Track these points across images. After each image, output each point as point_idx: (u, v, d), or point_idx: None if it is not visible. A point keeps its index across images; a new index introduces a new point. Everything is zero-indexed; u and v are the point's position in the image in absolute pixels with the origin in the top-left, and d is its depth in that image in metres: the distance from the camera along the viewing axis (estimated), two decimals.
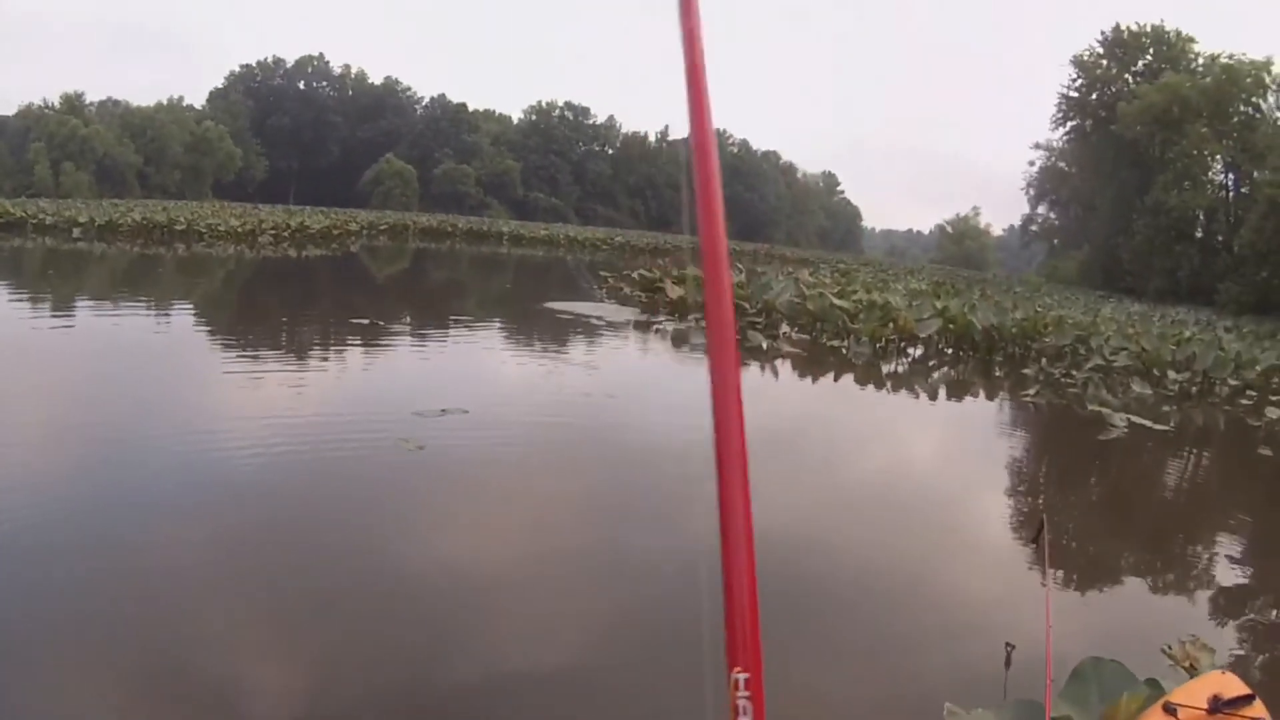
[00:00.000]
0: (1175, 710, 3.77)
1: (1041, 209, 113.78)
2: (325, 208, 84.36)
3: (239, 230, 46.95)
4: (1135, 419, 17.47)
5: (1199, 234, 77.67)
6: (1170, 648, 6.60)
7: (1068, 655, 4.82)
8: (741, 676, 1.34)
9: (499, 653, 5.97)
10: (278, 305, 25.65)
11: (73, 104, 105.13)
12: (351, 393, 14.03)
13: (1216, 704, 3.74)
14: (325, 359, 17.37)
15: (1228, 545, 10.87)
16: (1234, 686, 3.90)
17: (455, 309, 27.16)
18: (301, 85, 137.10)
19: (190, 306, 23.70)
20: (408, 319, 22.88)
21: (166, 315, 21.43)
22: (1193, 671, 5.93)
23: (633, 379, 17.75)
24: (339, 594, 6.52)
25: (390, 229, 69.41)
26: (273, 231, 48.63)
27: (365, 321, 21.00)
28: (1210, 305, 61.77)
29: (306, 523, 7.96)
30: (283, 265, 38.91)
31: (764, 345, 22.53)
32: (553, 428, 12.57)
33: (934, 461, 14.08)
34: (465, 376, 16.33)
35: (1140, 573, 9.57)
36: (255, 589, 6.49)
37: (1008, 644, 5.95)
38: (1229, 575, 9.60)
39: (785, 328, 25.86)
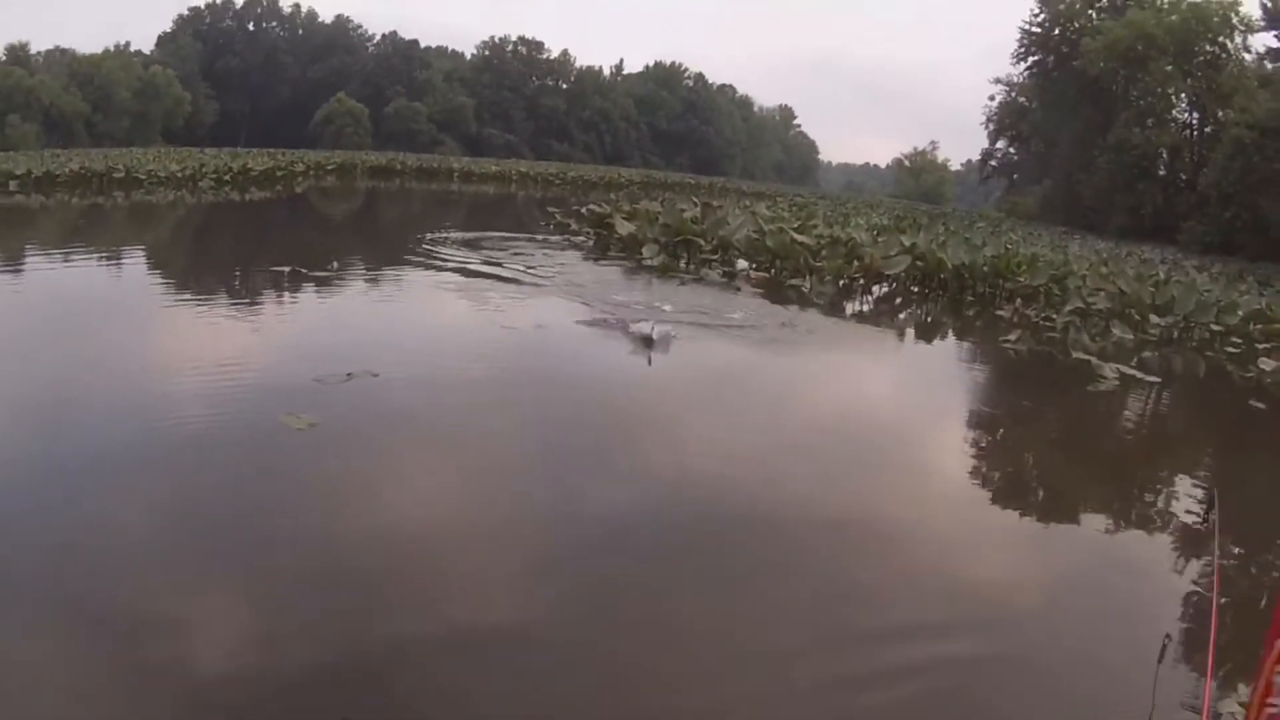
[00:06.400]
0: None
1: (1001, 144, 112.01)
2: (277, 149, 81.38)
3: (179, 175, 44.92)
4: (1125, 369, 16.50)
5: (1162, 172, 76.39)
6: None
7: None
8: None
9: None
10: (192, 254, 23.87)
11: (17, 54, 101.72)
12: (248, 353, 11.88)
13: None
14: (229, 314, 15.15)
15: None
16: None
17: (386, 255, 24.89)
18: (251, 26, 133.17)
19: (100, 259, 21.23)
20: (333, 266, 20.71)
21: (65, 268, 18.98)
22: None
23: (561, 348, 15.07)
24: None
25: (338, 169, 67.06)
26: (214, 175, 46.57)
27: (285, 269, 18.69)
28: (1174, 244, 60.95)
29: (132, 535, 6.43)
30: (216, 211, 37.00)
31: (720, 284, 21.32)
32: (472, 396, 10.83)
33: (944, 418, 13.00)
34: (383, 332, 14.34)
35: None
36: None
37: (1166, 636, 4.94)
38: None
39: (743, 264, 24.42)
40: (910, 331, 20.18)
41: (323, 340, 13.26)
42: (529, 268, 21.19)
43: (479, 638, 5.61)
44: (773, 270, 24.27)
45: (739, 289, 21.26)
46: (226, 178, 46.97)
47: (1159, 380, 16.78)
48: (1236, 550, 8.32)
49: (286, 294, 16.93)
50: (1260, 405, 15.91)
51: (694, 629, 6.05)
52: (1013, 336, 18.59)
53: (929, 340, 19.72)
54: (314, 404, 9.19)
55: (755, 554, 7.21)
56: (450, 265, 21.00)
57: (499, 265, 21.26)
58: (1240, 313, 23.28)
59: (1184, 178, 73.58)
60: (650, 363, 12.42)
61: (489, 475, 8.43)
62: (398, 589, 6.09)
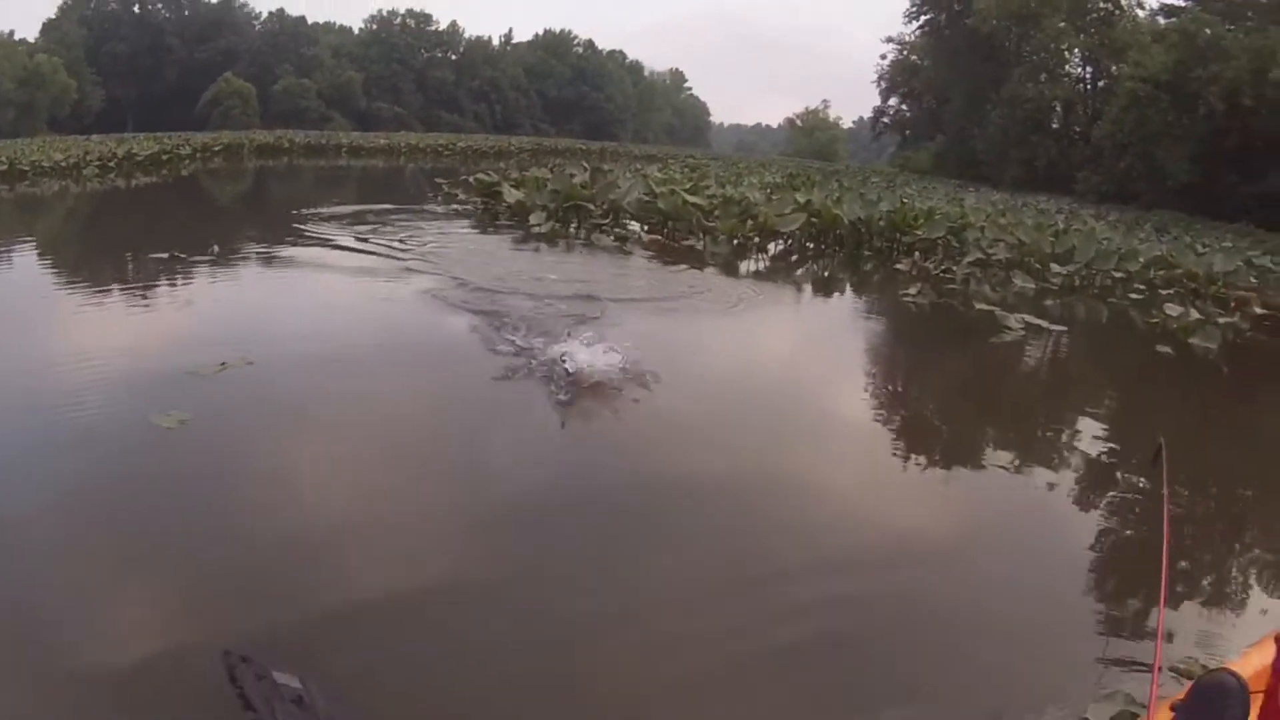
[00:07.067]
0: None
1: (893, 101, 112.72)
2: (164, 133, 78.94)
3: (64, 165, 42.77)
4: (1030, 319, 16.29)
5: (1055, 125, 77.22)
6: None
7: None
8: None
9: None
10: (68, 245, 21.99)
11: None
12: (117, 347, 10.72)
13: None
14: (99, 305, 13.79)
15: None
16: None
17: (269, 236, 23.26)
18: (136, 9, 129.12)
19: None
20: (214, 250, 19.53)
21: None
22: None
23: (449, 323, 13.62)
24: None
25: (225, 149, 64.31)
26: (98, 163, 44.61)
27: (164, 256, 17.31)
28: (1069, 194, 61.87)
29: None
30: (99, 199, 34.97)
31: (612, 248, 20.84)
32: (352, 379, 9.90)
33: (855, 374, 12.83)
34: (261, 316, 13.41)
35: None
36: None
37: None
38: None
39: (635, 227, 23.83)
40: (811, 289, 19.85)
41: (198, 328, 12.24)
42: (413, 242, 19.99)
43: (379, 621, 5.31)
44: (666, 232, 23.64)
45: (630, 253, 20.65)
46: (111, 164, 45.14)
47: (1065, 329, 16.54)
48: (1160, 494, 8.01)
49: (163, 281, 15.64)
50: (1168, 350, 15.60)
51: (604, 585, 6.03)
52: (913, 290, 18.18)
53: (831, 297, 19.42)
54: (186, 398, 8.34)
55: (666, 509, 7.17)
56: (333, 243, 19.78)
57: (383, 241, 20.02)
58: (1141, 259, 23.26)
59: (1078, 130, 74.75)
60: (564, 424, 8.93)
61: (379, 458, 7.85)
62: (273, 593, 5.52)
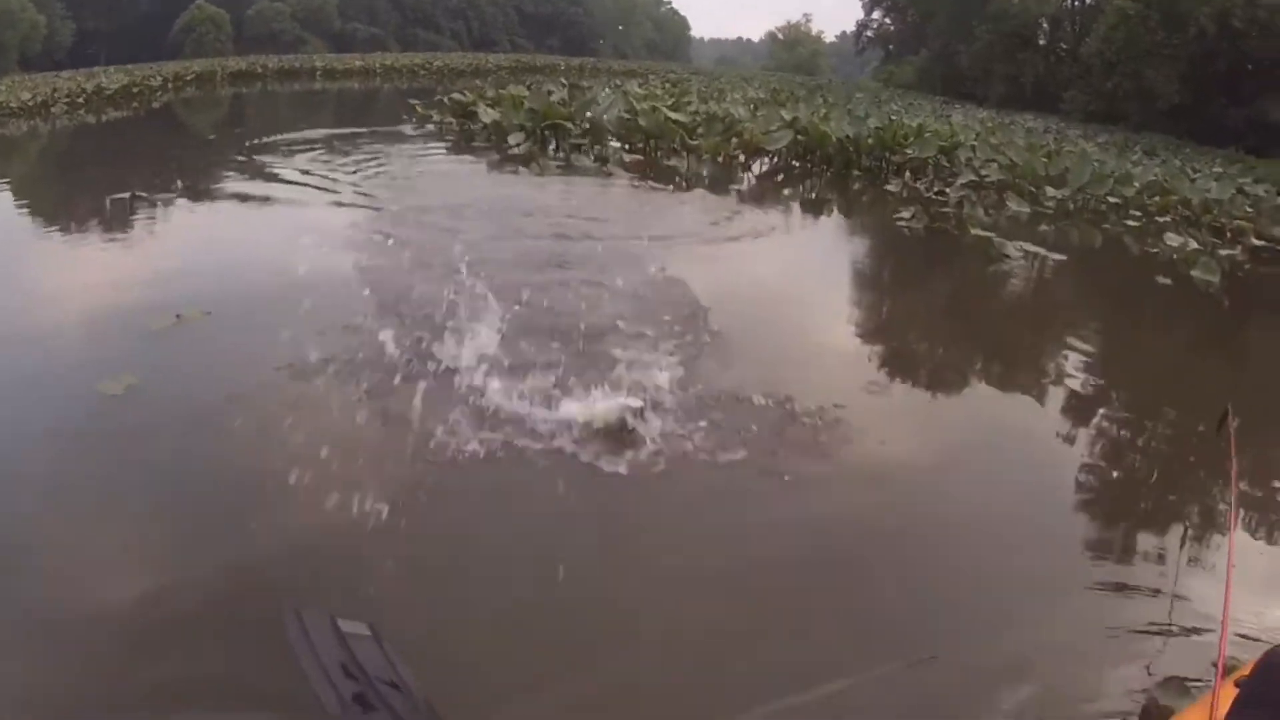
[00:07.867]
0: None
1: (876, 15, 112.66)
2: (136, 65, 77.27)
3: (31, 104, 41.21)
4: (1028, 246, 15.89)
5: (1042, 42, 77.09)
6: None
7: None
8: None
9: None
10: (19, 187, 20.56)
11: None
12: (66, 299, 9.99)
13: None
14: (46, 253, 13.12)
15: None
16: None
17: (236, 169, 22.31)
18: None
19: None
20: (178, 186, 18.54)
21: None
22: None
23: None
24: None
25: (197, 78, 63.07)
26: (67, 100, 43.22)
27: (125, 195, 16.04)
28: (1055, 113, 61.85)
29: None
30: (66, 137, 33.67)
31: (592, 169, 20.16)
32: (319, 326, 8.71)
33: (866, 305, 12.94)
34: (222, 260, 12.43)
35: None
36: None
37: None
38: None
39: (615, 146, 23.24)
40: (804, 212, 19.45)
41: (154, 276, 11.45)
42: (385, 171, 19.40)
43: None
44: (647, 151, 23.10)
45: (611, 174, 20.00)
46: (80, 100, 43.81)
47: (1064, 257, 16.08)
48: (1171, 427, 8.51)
49: (120, 224, 14.61)
50: (1168, 281, 15.23)
51: (584, 514, 5.83)
52: (907, 214, 17.60)
53: (824, 220, 19.03)
54: (136, 357, 7.77)
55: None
56: (300, 175, 18.78)
57: (352, 171, 19.29)
58: (1136, 184, 22.71)
59: (1064, 48, 74.73)
60: None
61: (359, 400, 7.22)
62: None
